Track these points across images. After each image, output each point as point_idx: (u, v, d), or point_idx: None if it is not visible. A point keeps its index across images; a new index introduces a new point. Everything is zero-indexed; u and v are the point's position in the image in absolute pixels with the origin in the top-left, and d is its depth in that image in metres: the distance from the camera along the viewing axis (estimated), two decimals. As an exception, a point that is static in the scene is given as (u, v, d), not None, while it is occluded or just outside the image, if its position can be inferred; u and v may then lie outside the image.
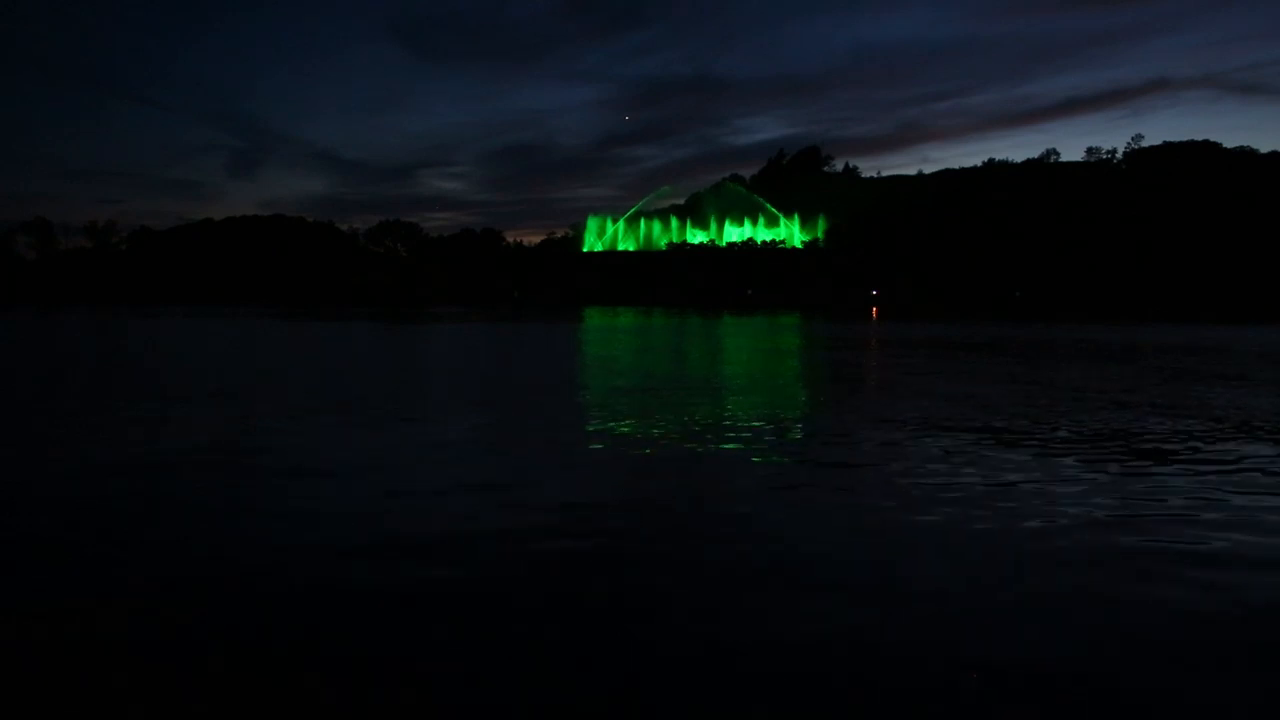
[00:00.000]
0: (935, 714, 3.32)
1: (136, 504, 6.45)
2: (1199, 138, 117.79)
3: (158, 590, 4.61)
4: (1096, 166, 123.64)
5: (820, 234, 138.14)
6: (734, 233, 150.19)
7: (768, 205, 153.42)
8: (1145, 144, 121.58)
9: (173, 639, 3.96)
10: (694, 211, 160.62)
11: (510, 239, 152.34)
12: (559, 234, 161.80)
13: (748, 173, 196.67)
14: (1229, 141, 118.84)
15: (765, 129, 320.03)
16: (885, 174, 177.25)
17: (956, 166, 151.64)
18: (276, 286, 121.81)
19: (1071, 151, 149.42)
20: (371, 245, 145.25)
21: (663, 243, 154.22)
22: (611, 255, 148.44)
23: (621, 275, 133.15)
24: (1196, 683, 3.59)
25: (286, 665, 3.69)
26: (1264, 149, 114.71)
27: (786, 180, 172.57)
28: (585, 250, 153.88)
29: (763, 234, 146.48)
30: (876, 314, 69.40)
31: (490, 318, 53.85)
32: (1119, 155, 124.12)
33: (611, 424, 10.47)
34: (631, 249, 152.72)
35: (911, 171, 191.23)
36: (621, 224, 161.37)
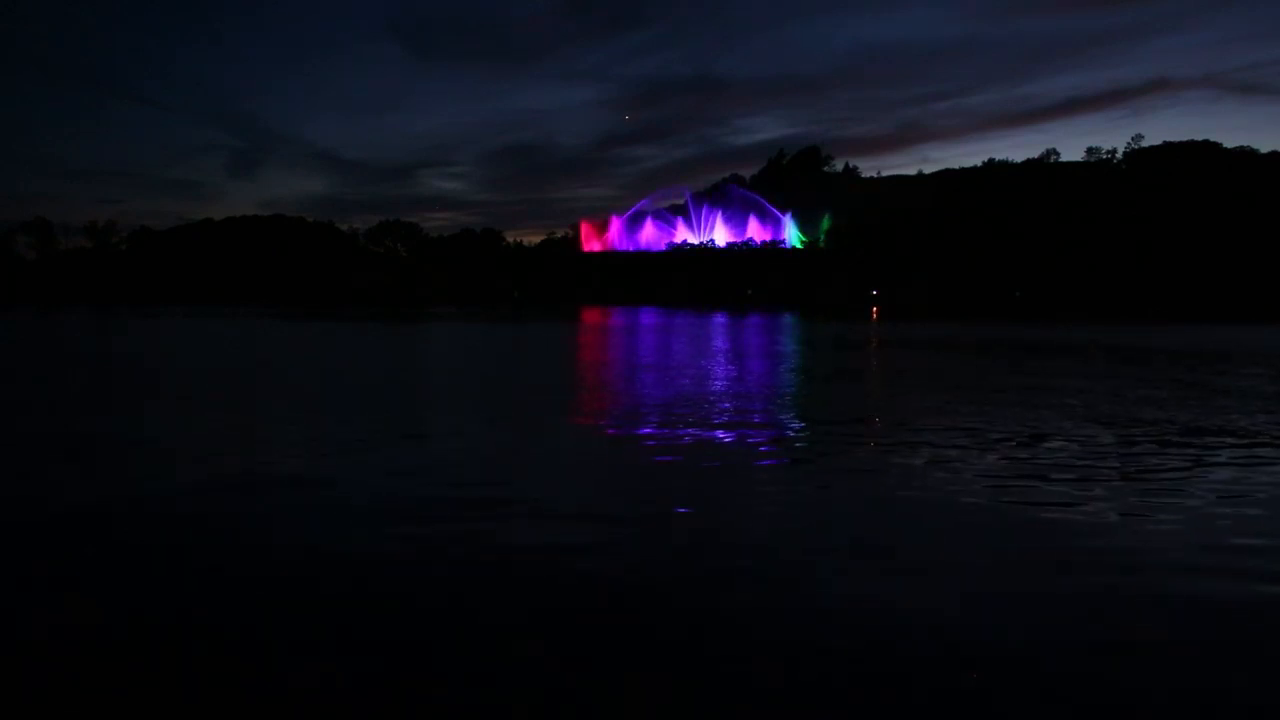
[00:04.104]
0: (940, 713, 3.34)
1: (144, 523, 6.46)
2: (1199, 138, 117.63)
3: (152, 592, 4.62)
4: (1096, 166, 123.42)
5: (820, 234, 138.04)
6: (733, 232, 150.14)
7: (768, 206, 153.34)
8: (1145, 144, 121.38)
9: (172, 637, 3.97)
10: (694, 212, 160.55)
11: (510, 239, 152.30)
12: (559, 234, 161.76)
13: (748, 173, 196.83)
14: (1229, 141, 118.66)
15: (765, 129, 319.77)
16: (885, 174, 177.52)
17: (956, 166, 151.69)
18: (276, 286, 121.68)
19: (1071, 151, 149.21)
20: (371, 245, 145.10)
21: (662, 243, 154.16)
22: (611, 255, 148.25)
23: (622, 275, 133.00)
24: (1188, 678, 3.60)
25: (283, 666, 3.70)
26: (1264, 149, 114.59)
27: (786, 180, 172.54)
28: (585, 251, 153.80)
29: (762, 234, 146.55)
30: (876, 314, 69.36)
31: (490, 318, 53.85)
32: (1119, 155, 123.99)
33: (612, 424, 10.47)
34: (631, 250, 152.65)
35: (911, 171, 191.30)
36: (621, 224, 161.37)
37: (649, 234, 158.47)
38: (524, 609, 4.36)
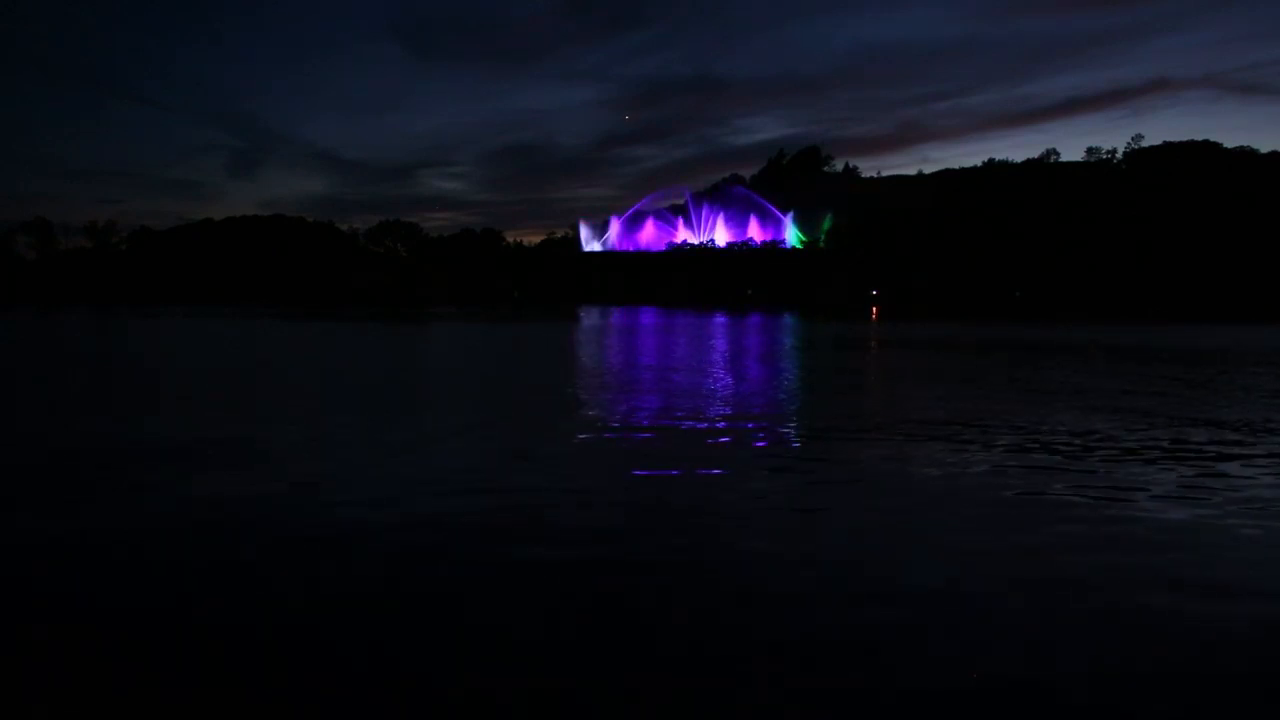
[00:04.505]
0: (936, 714, 3.33)
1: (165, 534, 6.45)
2: (1199, 138, 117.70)
3: (154, 592, 4.61)
4: (1096, 166, 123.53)
5: (820, 234, 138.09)
6: (733, 232, 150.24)
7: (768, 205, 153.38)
8: (1145, 144, 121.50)
9: (171, 639, 3.96)
10: (694, 211, 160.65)
11: (510, 239, 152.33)
12: (559, 234, 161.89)
13: (748, 173, 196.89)
14: (1229, 141, 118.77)
15: (765, 129, 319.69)
16: (885, 174, 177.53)
17: (956, 166, 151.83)
18: (276, 286, 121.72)
19: (1071, 151, 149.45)
20: (371, 245, 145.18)
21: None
22: (611, 256, 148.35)
23: (622, 276, 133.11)
24: (1194, 691, 3.60)
25: (284, 666, 3.69)
26: (1264, 149, 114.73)
27: (786, 180, 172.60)
28: (585, 251, 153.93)
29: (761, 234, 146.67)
30: (876, 314, 69.37)
31: (490, 318, 53.84)
32: (1119, 155, 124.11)
33: (612, 425, 10.46)
34: (631, 250, 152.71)
35: (911, 171, 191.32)
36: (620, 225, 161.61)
37: (649, 234, 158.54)
38: (524, 610, 4.35)
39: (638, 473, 7.75)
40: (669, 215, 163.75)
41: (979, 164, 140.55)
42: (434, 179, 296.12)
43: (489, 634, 4.04)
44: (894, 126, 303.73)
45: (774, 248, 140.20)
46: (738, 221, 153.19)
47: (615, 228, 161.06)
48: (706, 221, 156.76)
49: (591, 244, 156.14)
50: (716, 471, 7.80)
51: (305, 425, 10.39)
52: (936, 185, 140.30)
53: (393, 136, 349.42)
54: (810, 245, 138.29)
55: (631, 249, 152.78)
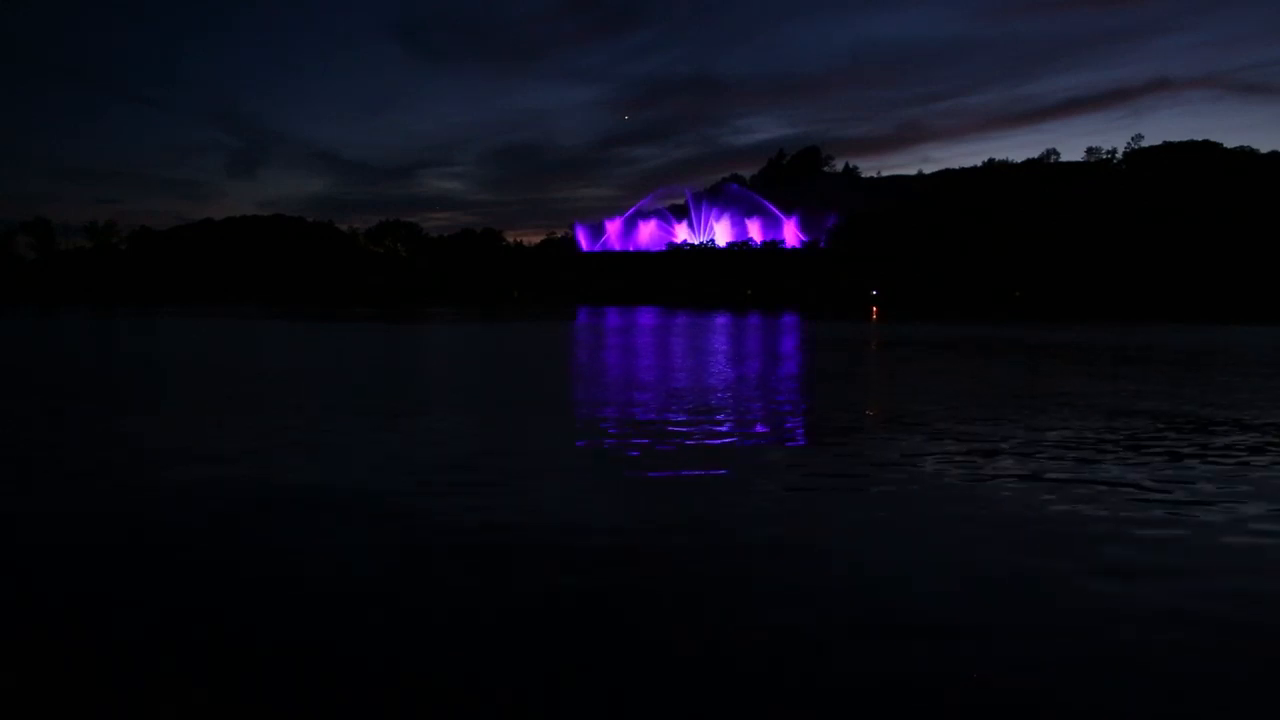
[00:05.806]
0: (937, 716, 3.33)
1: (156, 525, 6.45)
2: (1199, 138, 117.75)
3: (156, 592, 4.61)
4: (1096, 166, 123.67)
5: (821, 234, 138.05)
6: (733, 232, 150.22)
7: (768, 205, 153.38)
8: (1145, 144, 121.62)
9: (170, 639, 3.96)
10: (694, 211, 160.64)
11: (510, 239, 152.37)
12: (559, 234, 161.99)
13: (748, 173, 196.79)
14: (1229, 141, 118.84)
15: (765, 129, 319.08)
16: (885, 174, 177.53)
17: (956, 166, 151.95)
18: (276, 286, 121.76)
19: (1071, 151, 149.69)
20: (371, 245, 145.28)
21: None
22: (611, 256, 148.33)
23: (621, 276, 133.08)
24: (1183, 691, 3.60)
25: (287, 671, 3.69)
26: (1264, 149, 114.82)
27: (786, 180, 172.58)
28: (585, 251, 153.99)
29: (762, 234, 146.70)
30: (876, 314, 69.36)
31: (490, 318, 53.82)
32: (1119, 155, 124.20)
33: (613, 427, 10.45)
34: (631, 250, 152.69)
35: (911, 171, 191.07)
36: (620, 225, 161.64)
37: (649, 234, 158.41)
38: (524, 613, 4.35)
39: (639, 476, 7.74)
40: (669, 215, 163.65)
41: (979, 164, 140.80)
42: (434, 179, 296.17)
43: (485, 635, 4.04)
44: (894, 126, 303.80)
45: (774, 248, 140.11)
46: (738, 221, 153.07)
47: (610, 229, 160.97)
48: (706, 221, 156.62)
49: (593, 247, 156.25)
50: (719, 474, 7.79)
51: (301, 425, 10.37)
52: (936, 185, 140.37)
53: (393, 136, 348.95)
54: (810, 245, 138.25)
55: (631, 249, 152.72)
